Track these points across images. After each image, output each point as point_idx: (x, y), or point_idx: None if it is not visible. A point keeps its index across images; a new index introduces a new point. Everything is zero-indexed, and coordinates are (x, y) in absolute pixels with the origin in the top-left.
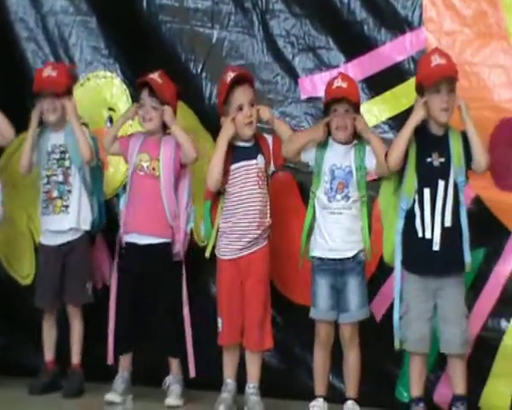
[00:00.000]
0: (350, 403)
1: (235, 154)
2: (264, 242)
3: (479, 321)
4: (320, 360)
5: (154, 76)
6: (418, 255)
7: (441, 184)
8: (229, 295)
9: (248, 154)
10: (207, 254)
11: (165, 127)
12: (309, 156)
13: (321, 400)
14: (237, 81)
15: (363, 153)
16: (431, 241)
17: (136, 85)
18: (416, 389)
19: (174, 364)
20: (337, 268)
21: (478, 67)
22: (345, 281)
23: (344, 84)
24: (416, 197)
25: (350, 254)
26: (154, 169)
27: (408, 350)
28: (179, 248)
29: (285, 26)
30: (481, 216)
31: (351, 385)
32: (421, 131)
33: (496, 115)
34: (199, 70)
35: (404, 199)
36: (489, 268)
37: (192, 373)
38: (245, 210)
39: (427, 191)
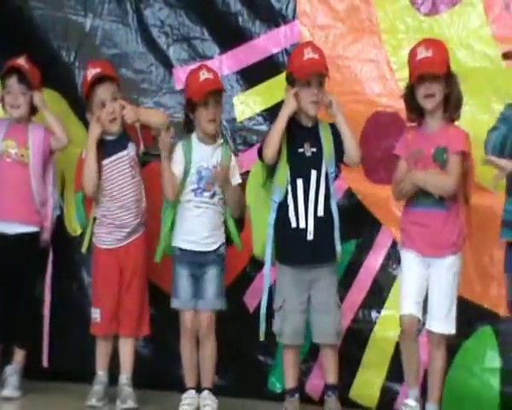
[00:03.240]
0: (206, 393)
1: (105, 149)
2: (141, 229)
3: (350, 313)
4: (187, 349)
5: (22, 62)
6: (292, 246)
7: (313, 173)
8: (107, 284)
9: (118, 146)
10: (84, 249)
11: (30, 114)
12: None
13: (192, 391)
14: (99, 78)
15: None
16: (305, 231)
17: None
18: (291, 381)
19: (19, 354)
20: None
21: (350, 61)
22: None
23: None
24: (289, 188)
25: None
26: (22, 156)
27: (284, 343)
28: (47, 234)
29: (159, 15)
30: (353, 208)
31: (207, 375)
32: (292, 123)
33: (367, 109)
34: (71, 58)
35: (277, 191)
36: (360, 260)
37: (45, 363)
38: (121, 204)
39: (299, 181)
